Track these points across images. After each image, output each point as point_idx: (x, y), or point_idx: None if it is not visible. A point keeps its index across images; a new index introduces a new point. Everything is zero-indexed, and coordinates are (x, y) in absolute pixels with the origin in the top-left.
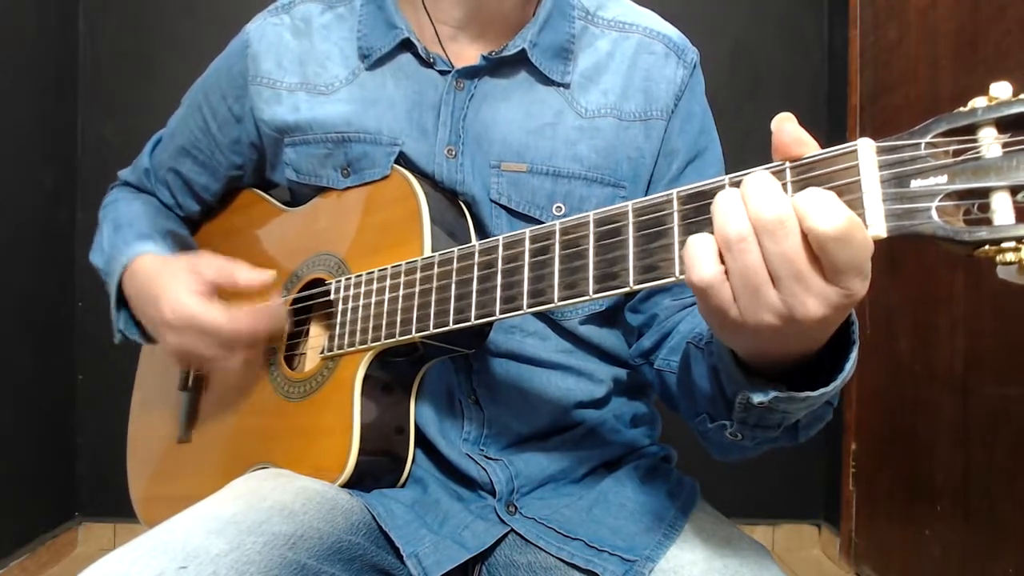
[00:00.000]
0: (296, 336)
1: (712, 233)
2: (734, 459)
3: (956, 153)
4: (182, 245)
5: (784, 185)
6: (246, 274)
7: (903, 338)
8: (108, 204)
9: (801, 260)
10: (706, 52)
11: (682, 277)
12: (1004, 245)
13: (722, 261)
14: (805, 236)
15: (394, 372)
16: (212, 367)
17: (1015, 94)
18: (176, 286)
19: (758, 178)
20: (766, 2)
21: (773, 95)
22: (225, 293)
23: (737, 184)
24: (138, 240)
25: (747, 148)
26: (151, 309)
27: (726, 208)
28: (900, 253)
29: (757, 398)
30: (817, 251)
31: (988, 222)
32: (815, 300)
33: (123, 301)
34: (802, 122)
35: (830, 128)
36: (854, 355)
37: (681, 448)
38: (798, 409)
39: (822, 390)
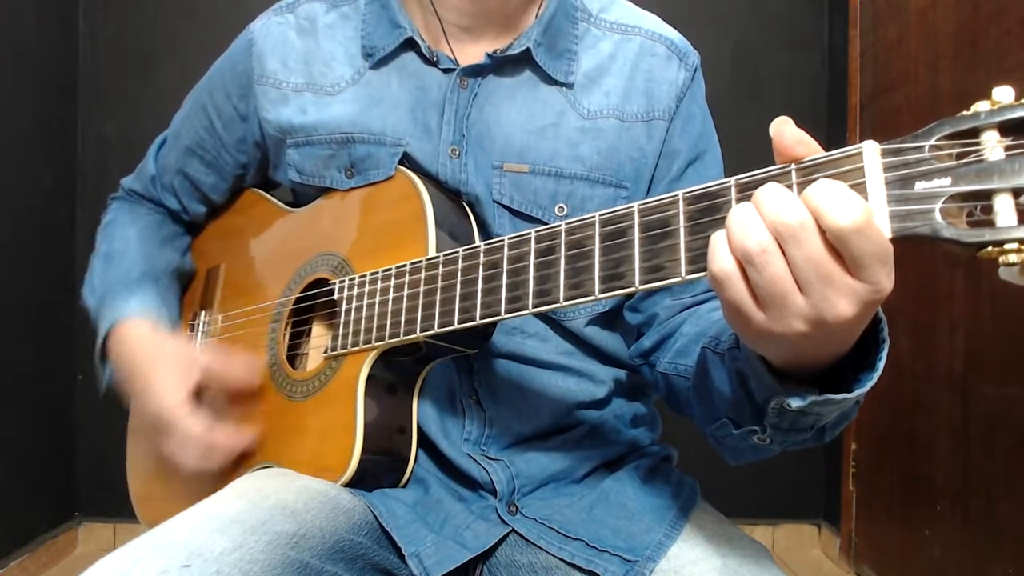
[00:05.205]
0: (299, 336)
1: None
2: (746, 462)
3: (959, 156)
4: (178, 276)
5: (790, 187)
6: (236, 373)
7: (903, 338)
8: (105, 226)
9: (827, 260)
10: (707, 53)
11: (688, 277)
12: (1007, 247)
13: (744, 276)
14: (824, 235)
15: (397, 372)
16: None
17: (1017, 98)
18: (165, 383)
19: (770, 188)
20: (766, 2)
21: (773, 95)
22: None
23: (743, 185)
24: (125, 293)
25: (748, 148)
26: (138, 400)
27: (743, 221)
28: (900, 253)
29: (795, 403)
30: (839, 247)
31: (991, 224)
32: (846, 300)
33: (106, 353)
34: (802, 122)
35: (830, 128)
36: (885, 353)
37: (681, 448)
38: (831, 411)
39: (859, 391)
